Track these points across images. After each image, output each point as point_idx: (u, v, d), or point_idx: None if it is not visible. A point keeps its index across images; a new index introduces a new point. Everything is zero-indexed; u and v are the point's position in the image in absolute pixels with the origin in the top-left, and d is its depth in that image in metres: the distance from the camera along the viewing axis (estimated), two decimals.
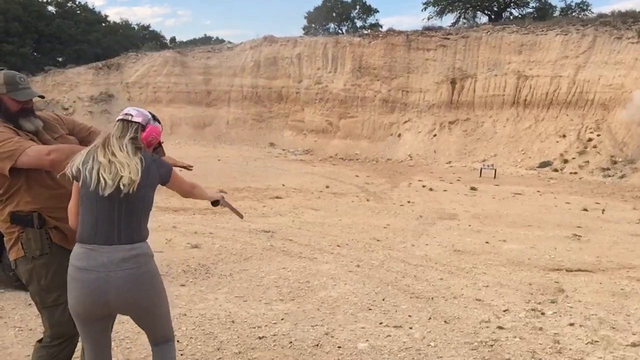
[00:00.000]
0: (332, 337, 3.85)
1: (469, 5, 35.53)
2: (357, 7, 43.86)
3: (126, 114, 2.31)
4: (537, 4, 35.32)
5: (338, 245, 6.88)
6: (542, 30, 22.94)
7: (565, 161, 19.01)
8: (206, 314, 4.26)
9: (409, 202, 11.37)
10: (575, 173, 18.06)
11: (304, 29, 43.66)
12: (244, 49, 29.63)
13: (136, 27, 52.31)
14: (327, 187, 13.47)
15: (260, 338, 3.79)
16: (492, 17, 34.50)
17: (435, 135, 23.20)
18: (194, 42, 43.41)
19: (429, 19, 36.09)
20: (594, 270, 6.07)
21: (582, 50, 21.29)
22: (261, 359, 3.48)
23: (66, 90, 28.51)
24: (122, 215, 2.18)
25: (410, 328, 4.06)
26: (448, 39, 24.77)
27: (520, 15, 33.80)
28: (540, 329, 4.09)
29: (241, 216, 3.02)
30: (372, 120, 24.96)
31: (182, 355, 3.47)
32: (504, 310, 4.50)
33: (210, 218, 8.45)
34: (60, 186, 2.45)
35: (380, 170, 19.36)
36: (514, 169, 19.61)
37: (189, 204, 8.91)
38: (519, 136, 21.30)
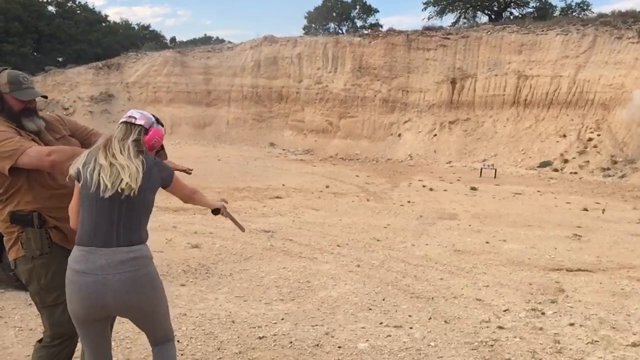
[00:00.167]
0: (332, 337, 3.85)
1: (469, 5, 35.52)
2: (357, 7, 43.85)
3: (129, 117, 2.31)
4: (538, 4, 35.34)
5: (338, 245, 6.87)
6: (543, 30, 22.93)
7: (566, 161, 19.00)
8: (206, 313, 4.26)
9: (409, 202, 11.37)
10: (576, 173, 18.06)
11: (304, 28, 43.73)
12: (244, 48, 29.64)
13: (136, 27, 52.36)
14: (327, 187, 13.47)
15: (260, 338, 3.79)
16: (492, 17, 34.50)
17: (435, 135, 23.20)
18: (194, 42, 43.43)
19: (429, 18, 36.12)
20: (594, 270, 6.07)
21: (582, 50, 21.28)
22: (261, 359, 3.48)
23: (66, 90, 28.53)
24: (122, 217, 2.18)
25: (411, 328, 4.06)
26: (448, 38, 24.76)
27: (520, 15, 33.82)
28: (541, 328, 4.09)
29: (243, 229, 2.97)
30: (372, 120, 24.96)
31: (182, 355, 3.47)
32: (504, 310, 4.50)
33: (210, 218, 8.44)
34: (61, 186, 2.45)
35: (381, 170, 19.36)
36: (514, 168, 19.61)
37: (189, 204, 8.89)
38: (519, 136, 21.29)
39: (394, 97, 24.95)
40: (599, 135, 19.31)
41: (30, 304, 3.87)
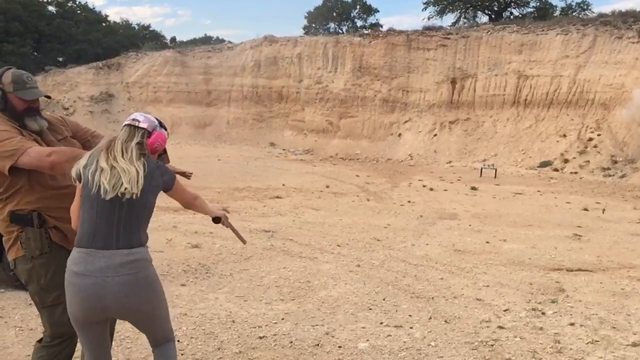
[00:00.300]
0: (332, 336, 3.85)
1: (469, 5, 35.52)
2: (358, 6, 43.84)
3: (133, 120, 2.30)
4: (538, 4, 35.33)
5: (338, 245, 6.87)
6: (543, 30, 22.93)
7: (566, 161, 19.00)
8: (206, 313, 4.26)
9: (409, 201, 11.37)
10: (576, 173, 18.06)
11: (304, 28, 43.73)
12: (244, 48, 29.64)
13: (136, 27, 52.35)
14: (328, 186, 13.47)
15: (260, 338, 3.79)
16: (493, 16, 34.49)
17: (435, 135, 23.20)
18: (194, 42, 43.43)
19: (429, 18, 36.09)
20: (594, 270, 6.07)
21: (582, 50, 21.28)
22: (262, 359, 3.48)
23: (66, 90, 28.53)
24: (122, 219, 2.17)
25: (411, 328, 4.06)
26: (448, 38, 24.76)
27: (520, 15, 33.80)
28: (541, 328, 4.09)
29: (244, 241, 2.95)
30: (372, 120, 24.96)
31: (182, 355, 3.47)
32: (505, 310, 4.50)
33: (210, 218, 8.43)
34: (61, 186, 2.45)
35: (381, 170, 19.36)
36: (515, 168, 19.60)
37: None
38: (519, 136, 21.29)
39: (394, 97, 24.95)
40: (599, 135, 19.31)
41: (30, 304, 3.87)
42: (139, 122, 2.29)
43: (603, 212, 10.53)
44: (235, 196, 11.02)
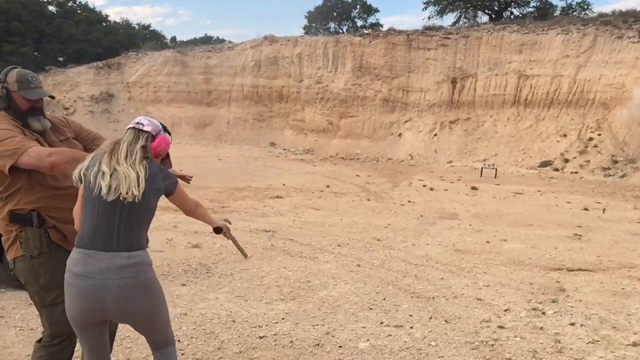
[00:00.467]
0: (332, 336, 3.85)
1: (469, 5, 35.50)
2: (358, 6, 43.84)
3: (137, 123, 2.31)
4: (538, 4, 35.28)
5: (339, 245, 6.87)
6: (543, 30, 22.91)
7: (566, 160, 18.99)
8: (207, 313, 4.25)
9: (409, 201, 11.37)
10: (576, 172, 18.05)
11: (304, 28, 43.72)
12: (245, 48, 29.63)
13: (137, 27, 52.34)
14: (328, 186, 13.47)
15: (261, 337, 3.79)
16: (493, 16, 34.47)
17: (435, 135, 23.19)
18: (194, 42, 43.47)
19: (429, 18, 36.05)
20: (594, 269, 6.07)
21: (582, 50, 21.27)
22: (262, 359, 3.48)
23: (67, 89, 28.52)
24: (123, 221, 2.17)
25: (411, 327, 4.06)
26: (449, 38, 24.74)
27: (521, 15, 33.77)
28: (541, 328, 4.09)
29: (245, 255, 2.93)
30: (372, 120, 24.95)
31: (183, 354, 3.47)
32: (505, 310, 4.50)
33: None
34: (61, 187, 2.45)
35: (381, 169, 19.36)
36: (515, 168, 19.60)
37: None
38: (519, 135, 21.28)
39: (395, 96, 24.94)
40: (599, 134, 19.30)
41: (30, 304, 3.86)
42: (143, 125, 2.30)
43: (603, 212, 10.53)
44: (235, 196, 11.02)
